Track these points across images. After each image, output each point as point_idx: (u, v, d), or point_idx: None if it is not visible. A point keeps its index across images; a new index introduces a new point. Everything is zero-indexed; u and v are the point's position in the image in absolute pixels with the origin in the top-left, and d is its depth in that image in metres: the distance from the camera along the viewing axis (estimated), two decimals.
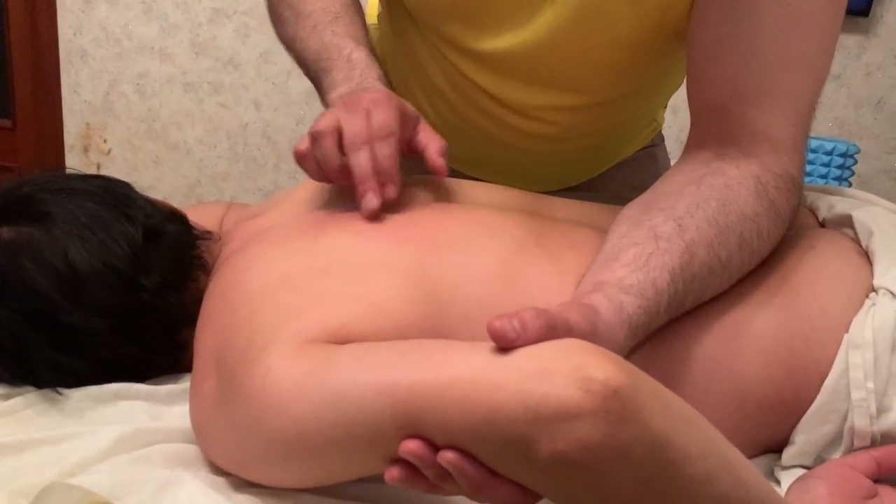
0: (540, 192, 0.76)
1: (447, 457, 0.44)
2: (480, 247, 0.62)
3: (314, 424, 0.48)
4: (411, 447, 0.44)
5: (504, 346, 0.45)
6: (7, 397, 0.64)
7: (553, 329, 0.46)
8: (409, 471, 0.46)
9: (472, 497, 0.47)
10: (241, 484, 0.56)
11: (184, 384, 0.68)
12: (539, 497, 0.46)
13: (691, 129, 0.68)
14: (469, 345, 0.47)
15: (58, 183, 0.68)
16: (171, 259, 0.67)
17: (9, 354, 0.64)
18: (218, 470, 0.57)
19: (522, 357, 0.44)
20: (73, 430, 0.59)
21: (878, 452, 0.58)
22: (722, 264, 0.58)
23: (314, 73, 0.75)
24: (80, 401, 0.63)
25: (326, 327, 0.53)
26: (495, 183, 0.76)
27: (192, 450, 0.59)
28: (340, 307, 0.54)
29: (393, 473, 0.46)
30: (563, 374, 0.42)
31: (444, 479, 0.45)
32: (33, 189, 0.67)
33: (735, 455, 0.48)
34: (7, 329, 0.62)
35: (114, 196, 0.68)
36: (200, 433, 0.57)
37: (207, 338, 0.59)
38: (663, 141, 1.03)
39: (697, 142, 0.67)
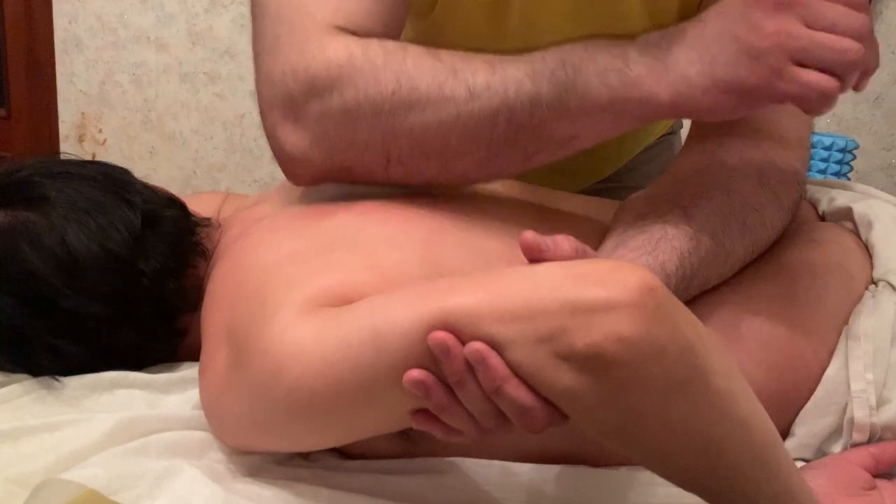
0: (567, 189, 0.76)
1: (474, 346, 0.43)
2: (486, 232, 0.62)
3: (342, 355, 0.46)
4: (440, 336, 0.43)
5: (534, 257, 0.46)
6: (2, 385, 0.63)
7: (583, 254, 0.47)
8: (429, 375, 0.44)
9: (487, 418, 0.45)
10: (240, 473, 0.56)
11: (181, 373, 0.68)
12: (559, 418, 0.45)
13: (694, 122, 0.68)
14: (496, 270, 0.48)
15: (56, 168, 0.68)
16: (170, 245, 0.67)
17: (6, 340, 0.63)
18: (216, 458, 0.57)
19: (557, 266, 0.45)
20: (70, 418, 0.59)
21: (875, 449, 0.58)
22: (726, 251, 0.59)
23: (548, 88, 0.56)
24: (76, 389, 0.63)
25: (338, 293, 0.52)
26: (524, 180, 0.75)
27: (190, 438, 0.58)
28: (351, 274, 0.54)
29: (412, 374, 0.44)
30: (599, 275, 0.43)
31: (463, 385, 0.44)
32: (30, 174, 0.66)
33: (749, 386, 0.48)
34: (5, 314, 0.62)
35: (112, 181, 0.68)
36: (212, 409, 0.56)
37: (215, 317, 0.58)
38: (681, 127, 1.03)
39: (700, 133, 0.67)
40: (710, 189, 0.60)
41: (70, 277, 0.62)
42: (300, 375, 0.48)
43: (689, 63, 0.52)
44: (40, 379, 0.63)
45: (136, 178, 0.71)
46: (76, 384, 0.63)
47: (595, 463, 0.60)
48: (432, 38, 0.68)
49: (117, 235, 0.64)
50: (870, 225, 0.65)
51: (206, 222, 0.72)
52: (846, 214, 0.69)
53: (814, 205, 0.74)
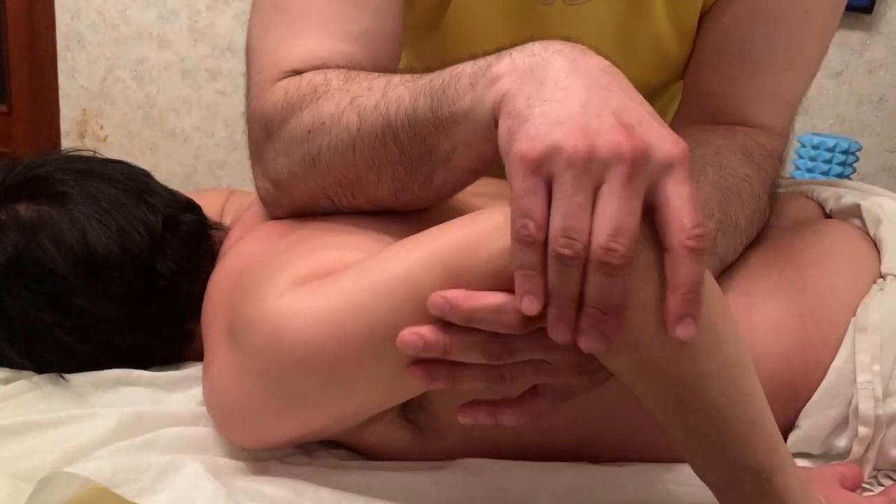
0: None
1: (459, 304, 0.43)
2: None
3: (341, 305, 0.47)
4: (436, 299, 0.44)
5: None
6: (7, 381, 0.63)
7: None
8: (420, 336, 0.45)
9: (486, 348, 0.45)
10: (242, 470, 0.56)
11: (185, 371, 0.68)
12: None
13: (680, 108, 0.72)
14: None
15: (78, 165, 0.68)
16: (187, 249, 0.67)
17: (18, 334, 0.63)
18: (220, 455, 0.57)
19: None
20: (75, 413, 0.58)
21: (844, 468, 0.56)
22: (733, 222, 0.60)
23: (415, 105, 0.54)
24: (80, 386, 0.63)
25: (330, 270, 0.51)
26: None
27: (194, 434, 0.58)
28: (343, 254, 0.53)
29: (404, 336, 0.45)
30: None
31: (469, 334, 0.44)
32: (52, 169, 0.66)
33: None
34: (20, 308, 0.62)
35: (134, 183, 0.68)
36: (218, 402, 0.55)
37: (217, 319, 0.58)
38: None
39: (686, 120, 0.70)
40: (702, 166, 0.61)
41: (88, 276, 0.62)
42: (301, 329, 0.47)
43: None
44: (45, 376, 0.63)
45: (156, 181, 0.71)
46: (80, 381, 0.63)
47: (595, 460, 0.60)
48: (438, 56, 0.66)
49: (137, 237, 0.64)
50: (878, 220, 0.66)
51: (219, 226, 0.72)
52: (854, 211, 0.69)
53: (821, 204, 0.75)
